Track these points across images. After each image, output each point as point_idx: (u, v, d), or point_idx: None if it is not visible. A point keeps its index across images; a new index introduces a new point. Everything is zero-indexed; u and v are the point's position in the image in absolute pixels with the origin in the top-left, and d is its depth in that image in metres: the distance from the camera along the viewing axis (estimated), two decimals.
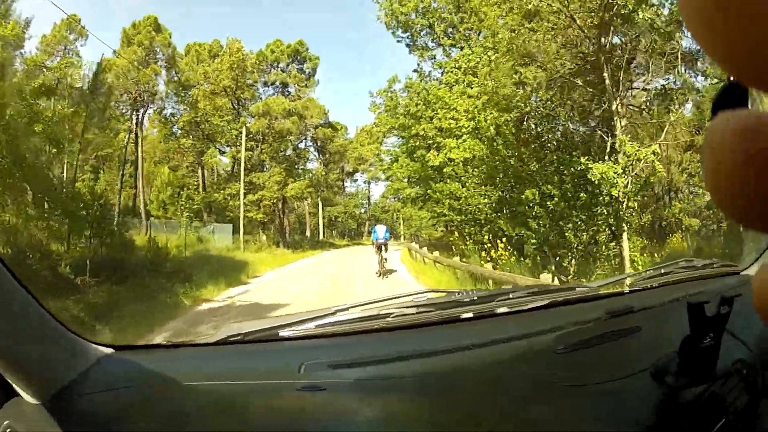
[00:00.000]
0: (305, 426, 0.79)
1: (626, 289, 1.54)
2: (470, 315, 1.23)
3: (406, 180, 21.74)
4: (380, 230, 12.57)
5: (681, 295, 1.26)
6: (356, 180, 46.32)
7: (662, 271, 1.54)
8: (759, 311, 0.19)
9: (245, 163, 23.67)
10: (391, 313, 1.13)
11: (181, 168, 26.60)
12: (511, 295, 1.32)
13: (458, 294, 1.31)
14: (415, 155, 16.89)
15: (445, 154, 12.63)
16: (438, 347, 1.03)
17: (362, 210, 45.83)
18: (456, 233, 13.30)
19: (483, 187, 11.78)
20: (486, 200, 11.44)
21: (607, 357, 1.04)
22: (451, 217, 13.26)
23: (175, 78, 24.86)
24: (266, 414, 0.83)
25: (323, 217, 38.78)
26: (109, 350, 0.91)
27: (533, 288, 1.43)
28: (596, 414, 0.83)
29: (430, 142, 14.71)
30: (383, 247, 12.09)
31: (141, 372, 0.90)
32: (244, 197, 23.03)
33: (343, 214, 41.63)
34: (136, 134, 24.18)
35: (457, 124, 12.48)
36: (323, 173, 31.73)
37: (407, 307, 1.17)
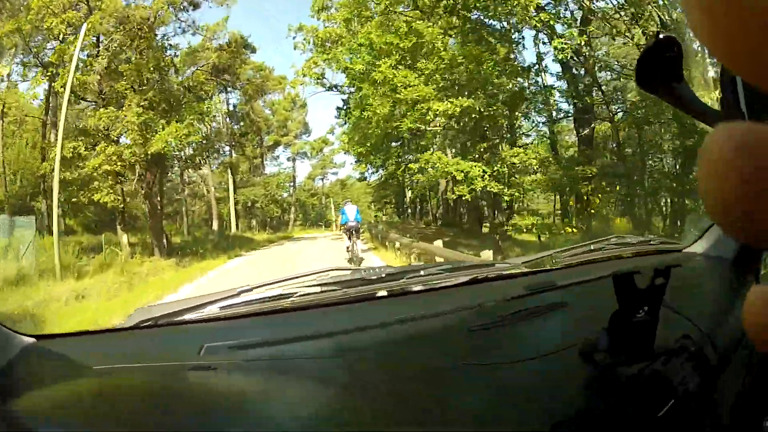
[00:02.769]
0: (195, 406, 0.75)
1: (551, 266, 1.41)
2: (378, 293, 1.21)
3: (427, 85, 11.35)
4: (350, 211, 9.79)
5: (612, 271, 0.99)
6: (277, 157, 36.13)
7: (591, 247, 1.51)
8: (750, 331, 0.19)
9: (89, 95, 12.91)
10: (295, 293, 1.14)
11: None
12: (422, 272, 1.30)
13: (364, 272, 1.28)
14: None
15: None
16: (342, 327, 1.00)
17: (286, 194, 35.52)
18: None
19: None
20: None
21: (527, 335, 0.99)
22: None
23: None
24: (161, 396, 0.80)
25: (235, 203, 28.19)
26: (32, 340, 0.94)
27: (447, 264, 1.44)
28: (512, 394, 0.75)
29: None
30: (354, 232, 9.71)
31: (60, 360, 0.93)
32: (78, 159, 12.13)
33: (262, 198, 30.79)
34: None
35: None
36: (227, 116, 20.42)
37: (311, 286, 1.18)
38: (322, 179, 39.69)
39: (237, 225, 27.43)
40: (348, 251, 9.90)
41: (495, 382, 0.77)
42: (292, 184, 35.67)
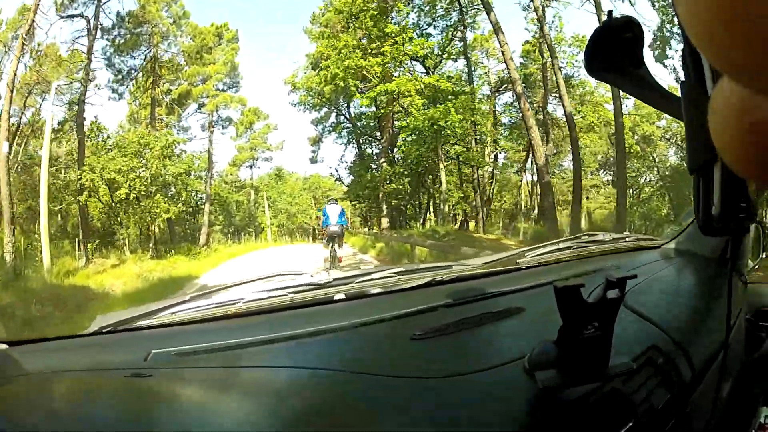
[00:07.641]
0: (128, 414, 0.72)
1: (512, 267, 1.35)
2: (325, 298, 1.17)
3: None
4: (333, 211, 8.81)
5: (580, 271, 1.10)
6: (188, 128, 20.94)
7: (559, 246, 1.44)
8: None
9: None
10: (242, 298, 1.11)
11: None
12: (374, 276, 1.27)
13: (312, 276, 1.26)
14: None
15: None
16: (284, 333, 0.96)
17: (194, 176, 19.45)
18: None
19: None
20: None
21: (473, 345, 0.91)
22: None
23: None
24: (99, 403, 0.78)
25: (80, 189, 12.76)
26: (4, 346, 0.95)
27: (401, 267, 1.34)
28: (444, 415, 0.67)
29: None
30: (337, 238, 8.70)
31: (24, 366, 0.92)
32: None
33: (138, 181, 14.56)
34: None
35: None
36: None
37: (259, 291, 1.15)
38: (251, 167, 25.06)
39: (79, 244, 12.37)
40: (326, 261, 8.62)
41: (428, 399, 0.70)
42: (207, 171, 20.29)
